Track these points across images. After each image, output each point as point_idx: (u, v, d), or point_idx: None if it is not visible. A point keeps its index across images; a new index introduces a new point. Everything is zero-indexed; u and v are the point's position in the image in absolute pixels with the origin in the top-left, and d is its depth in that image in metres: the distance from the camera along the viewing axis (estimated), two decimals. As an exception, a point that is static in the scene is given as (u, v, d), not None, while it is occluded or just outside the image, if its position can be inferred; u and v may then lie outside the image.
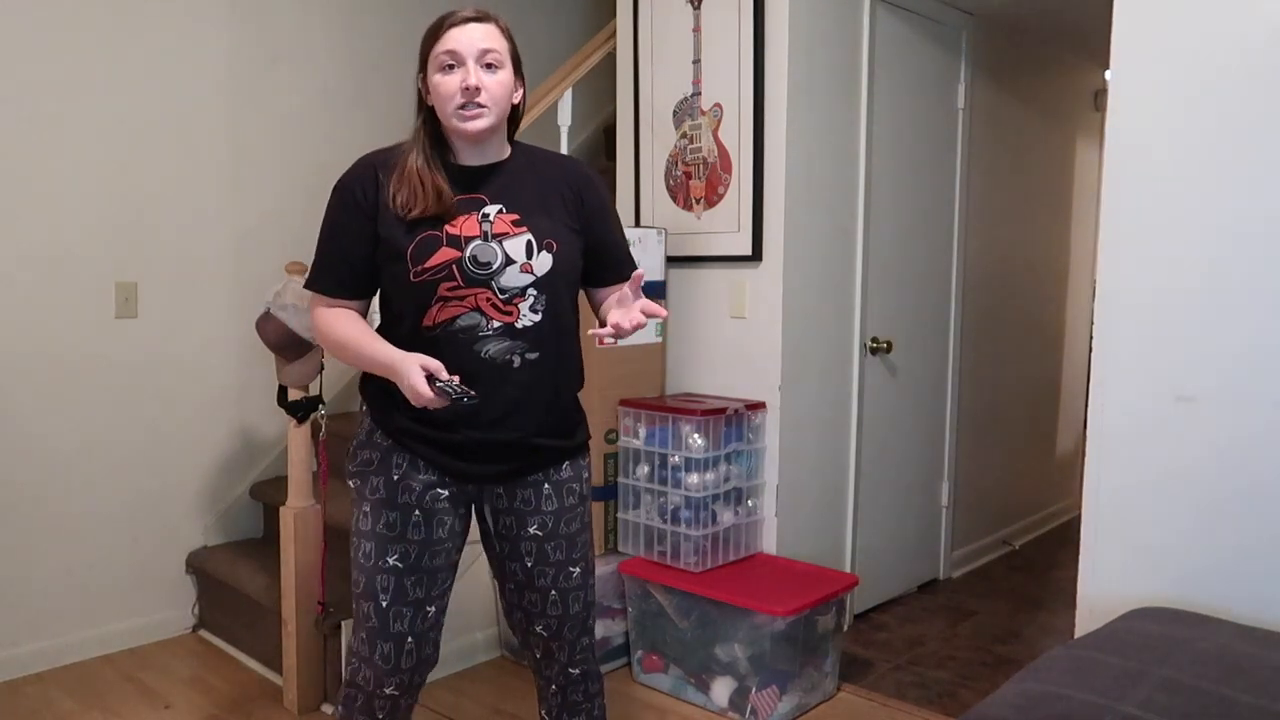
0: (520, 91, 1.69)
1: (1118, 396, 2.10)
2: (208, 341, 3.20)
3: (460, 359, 1.59)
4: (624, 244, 1.81)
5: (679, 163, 3.10)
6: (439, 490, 1.67)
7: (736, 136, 2.93)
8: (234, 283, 3.24)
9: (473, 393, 1.50)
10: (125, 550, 3.07)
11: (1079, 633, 2.17)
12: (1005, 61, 3.89)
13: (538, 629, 1.78)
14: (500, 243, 1.61)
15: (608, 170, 3.53)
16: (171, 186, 3.10)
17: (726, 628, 2.59)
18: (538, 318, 1.64)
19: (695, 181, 3.06)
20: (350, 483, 1.73)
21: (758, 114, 2.88)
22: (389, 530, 1.65)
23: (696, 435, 2.74)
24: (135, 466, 3.07)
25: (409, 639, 1.66)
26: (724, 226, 2.99)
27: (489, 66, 1.60)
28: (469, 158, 1.67)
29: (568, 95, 3.23)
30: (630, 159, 3.26)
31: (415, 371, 1.51)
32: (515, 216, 1.64)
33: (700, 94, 3.02)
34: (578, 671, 1.82)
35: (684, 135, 3.08)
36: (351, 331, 1.65)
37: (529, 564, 1.73)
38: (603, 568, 2.84)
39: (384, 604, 1.65)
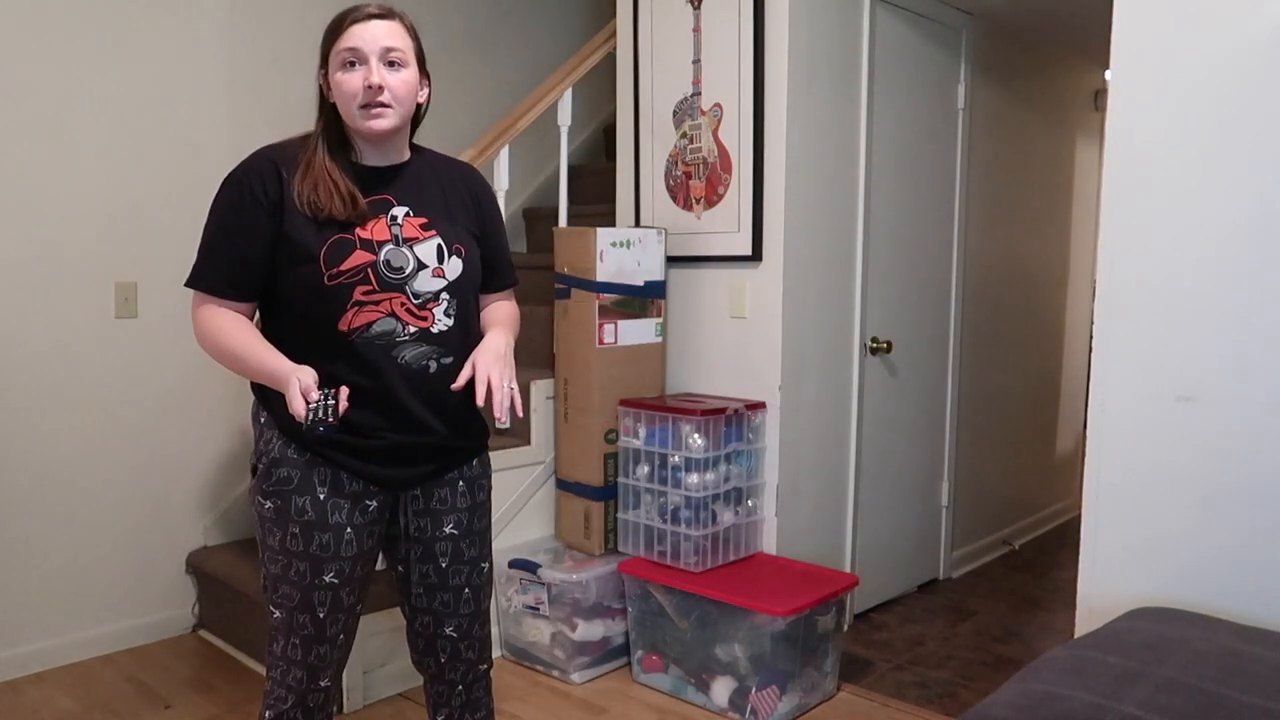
0: (425, 91, 1.66)
1: (1118, 396, 2.11)
2: (208, 341, 3.20)
3: (379, 365, 1.57)
4: (508, 250, 1.84)
5: (679, 163, 3.10)
6: (368, 502, 1.64)
7: (736, 136, 2.93)
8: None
9: (332, 420, 1.44)
10: (125, 550, 3.07)
11: (1079, 633, 2.17)
12: (1005, 61, 3.90)
13: (447, 630, 1.75)
14: (411, 247, 1.59)
15: (608, 170, 3.53)
16: (171, 186, 3.10)
17: (726, 628, 2.59)
18: (451, 322, 1.63)
19: (695, 181, 3.06)
20: (266, 501, 1.61)
21: (758, 114, 2.88)
22: (323, 551, 1.60)
23: (696, 435, 2.75)
24: (135, 466, 3.07)
25: (341, 636, 1.67)
26: (724, 226, 2.99)
27: (392, 64, 1.55)
28: (372, 158, 1.63)
29: (568, 95, 3.23)
30: (630, 159, 3.26)
31: (293, 385, 1.46)
32: (423, 220, 1.63)
33: (700, 94, 3.02)
34: (484, 667, 1.82)
35: (684, 135, 3.08)
36: (244, 339, 1.55)
37: (444, 564, 1.72)
38: (602, 568, 2.84)
39: (321, 615, 1.63)
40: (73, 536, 2.95)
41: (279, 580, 1.63)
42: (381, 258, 1.56)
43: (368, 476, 1.63)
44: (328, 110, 1.61)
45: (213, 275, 1.57)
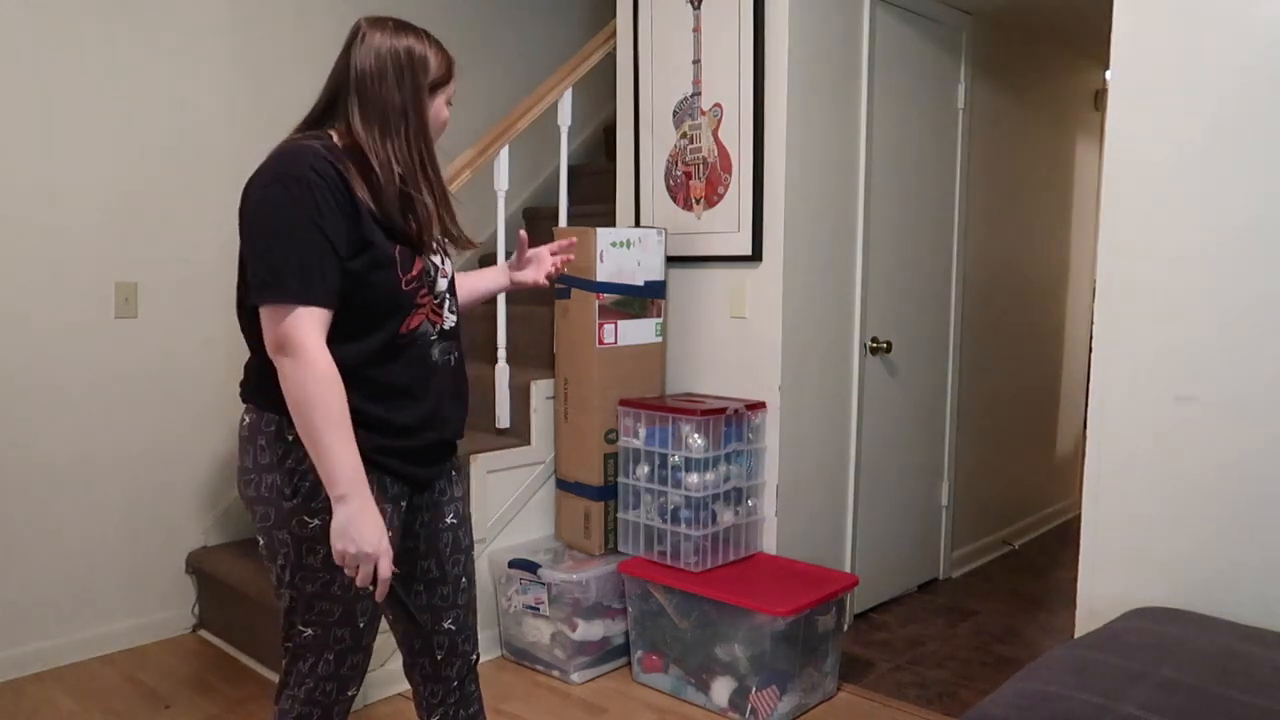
0: None
1: (1118, 396, 2.11)
2: (207, 341, 3.20)
3: (424, 364, 1.61)
4: None
5: (679, 163, 3.10)
6: (402, 504, 1.65)
7: (736, 136, 2.93)
8: (234, 283, 3.23)
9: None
10: (125, 550, 3.07)
11: (1079, 633, 2.17)
12: (1005, 61, 3.90)
13: (445, 624, 1.76)
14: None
15: (608, 170, 3.53)
16: (171, 186, 3.10)
17: (726, 628, 2.59)
18: (455, 318, 1.70)
19: (695, 181, 3.06)
20: (313, 520, 1.52)
21: (758, 114, 2.88)
22: None
23: (696, 435, 2.74)
24: (135, 467, 3.07)
25: (371, 643, 1.68)
26: (724, 226, 2.99)
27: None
28: None
29: (568, 95, 3.23)
30: (630, 159, 3.26)
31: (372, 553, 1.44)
32: None
33: (700, 94, 3.02)
34: (475, 657, 1.84)
35: (684, 135, 3.08)
36: (344, 408, 1.44)
37: (445, 553, 1.75)
38: (603, 568, 2.84)
39: (361, 625, 1.62)
40: (72, 537, 2.95)
41: (317, 598, 1.57)
42: (427, 262, 1.61)
43: (408, 477, 1.64)
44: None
45: (317, 285, 1.41)
